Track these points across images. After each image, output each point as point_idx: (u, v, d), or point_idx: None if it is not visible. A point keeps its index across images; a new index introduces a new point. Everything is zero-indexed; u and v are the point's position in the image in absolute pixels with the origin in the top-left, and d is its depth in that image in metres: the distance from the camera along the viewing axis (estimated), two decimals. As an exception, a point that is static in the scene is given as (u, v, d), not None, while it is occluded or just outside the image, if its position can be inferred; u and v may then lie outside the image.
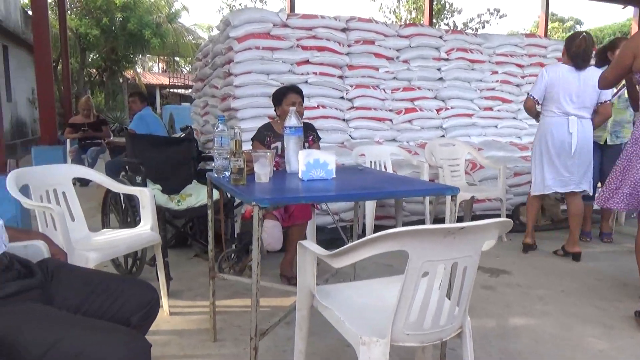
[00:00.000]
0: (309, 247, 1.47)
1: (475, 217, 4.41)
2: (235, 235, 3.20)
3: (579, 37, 3.46)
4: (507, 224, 1.33)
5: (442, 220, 4.15)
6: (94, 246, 2.29)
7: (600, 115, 3.52)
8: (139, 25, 15.36)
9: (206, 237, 3.46)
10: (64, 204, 2.41)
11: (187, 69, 25.13)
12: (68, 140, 6.43)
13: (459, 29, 16.79)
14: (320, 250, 1.43)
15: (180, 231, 3.42)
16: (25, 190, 2.26)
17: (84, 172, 2.58)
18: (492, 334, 2.36)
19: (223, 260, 2.89)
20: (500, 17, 18.89)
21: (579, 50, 3.42)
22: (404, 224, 4.20)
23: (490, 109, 5.31)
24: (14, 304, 1.16)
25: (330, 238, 3.57)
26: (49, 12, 7.25)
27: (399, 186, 1.84)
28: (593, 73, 3.38)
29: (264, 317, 2.31)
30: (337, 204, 3.75)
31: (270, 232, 2.84)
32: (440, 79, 5.13)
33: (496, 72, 5.35)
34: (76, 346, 1.07)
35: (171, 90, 22.75)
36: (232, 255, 2.95)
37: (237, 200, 3.33)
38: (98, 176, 2.55)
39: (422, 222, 4.14)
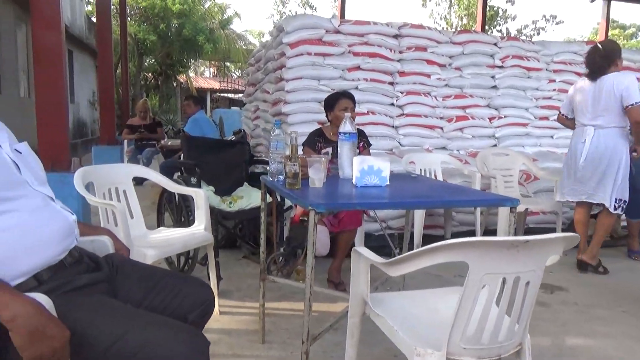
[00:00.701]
0: (364, 254, 1.47)
1: (527, 230, 4.26)
2: (284, 239, 3.23)
3: (592, 47, 3.47)
4: (573, 239, 1.27)
5: (493, 232, 4.03)
6: (151, 243, 2.37)
7: (630, 123, 3.28)
8: (194, 31, 15.89)
9: (255, 239, 3.54)
10: (124, 201, 2.52)
11: (237, 73, 25.74)
12: (125, 141, 6.71)
13: (512, 35, 16.34)
14: (376, 258, 1.42)
15: (231, 232, 3.49)
16: (87, 187, 2.37)
17: (144, 172, 2.69)
18: (548, 354, 2.27)
19: (271, 263, 2.93)
20: (557, 23, 18.26)
21: (588, 60, 3.46)
22: (453, 235, 4.11)
23: (547, 118, 5.12)
24: (84, 295, 1.21)
25: (378, 245, 3.53)
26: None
27: (456, 195, 1.80)
28: (608, 79, 3.29)
29: (312, 322, 2.31)
30: (385, 211, 3.72)
31: (318, 237, 2.85)
32: (494, 86, 5.00)
33: (553, 81, 5.16)
34: (141, 339, 1.11)
35: (221, 94, 23.34)
36: (280, 258, 2.98)
37: (287, 204, 3.37)
38: (157, 176, 2.64)
39: (472, 232, 4.04)
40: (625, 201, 3.40)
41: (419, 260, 1.23)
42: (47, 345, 1.00)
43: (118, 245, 1.55)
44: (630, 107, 3.19)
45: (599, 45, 3.46)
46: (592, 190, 3.42)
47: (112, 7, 7.32)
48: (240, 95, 22.36)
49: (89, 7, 15.93)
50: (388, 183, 1.91)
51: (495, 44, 5.02)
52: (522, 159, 4.24)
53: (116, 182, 2.53)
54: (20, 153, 1.28)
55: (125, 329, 1.12)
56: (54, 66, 3.50)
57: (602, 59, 3.37)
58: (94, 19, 14.57)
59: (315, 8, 20.57)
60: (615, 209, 3.37)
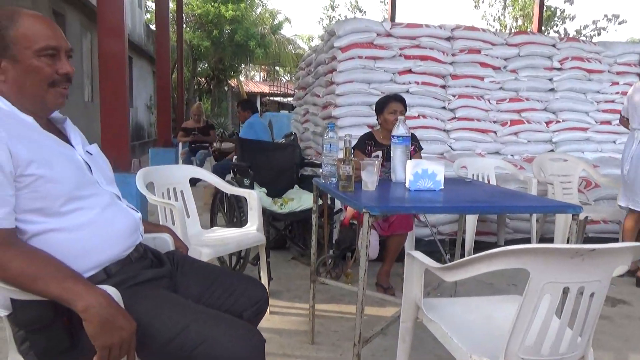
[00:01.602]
0: (419, 258, 1.45)
1: (587, 240, 4.07)
2: (334, 241, 3.25)
3: None
4: (643, 249, 1.21)
5: (549, 241, 3.88)
6: (206, 242, 2.45)
7: None
8: (245, 36, 16.28)
9: (304, 241, 3.58)
10: (181, 201, 2.61)
11: (286, 77, 26.09)
12: (180, 143, 6.96)
13: (570, 36, 15.65)
14: (431, 262, 1.40)
15: (281, 234, 3.55)
16: (147, 187, 2.48)
17: (200, 173, 2.78)
18: (610, 369, 2.16)
19: (320, 265, 2.95)
20: (620, 23, 17.24)
21: None
22: (506, 242, 3.98)
23: (609, 122, 4.87)
24: (148, 289, 1.27)
25: (428, 251, 3.46)
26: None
27: (514, 201, 1.75)
28: None
29: (362, 325, 2.31)
30: (436, 216, 3.66)
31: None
32: (552, 89, 4.82)
33: (617, 83, 4.91)
34: (202, 334, 1.15)
35: (271, 98, 23.74)
36: (330, 260, 3.00)
37: (337, 207, 3.38)
38: (212, 177, 2.73)
39: (526, 240, 3.90)
40: None
41: (476, 265, 1.21)
42: (117, 335, 1.06)
43: (178, 242, 1.62)
44: None
45: None
46: (633, 195, 3.31)
47: (170, 15, 7.62)
48: (289, 99, 22.66)
49: (148, 16, 16.67)
50: (442, 187, 1.89)
51: (553, 45, 4.84)
52: (582, 164, 4.05)
53: (174, 183, 2.63)
54: (91, 154, 1.36)
55: (187, 323, 1.17)
56: (118, 72, 3.69)
57: None
58: (151, 27, 15.24)
59: (365, 12, 20.53)
60: None
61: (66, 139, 1.31)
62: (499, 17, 18.97)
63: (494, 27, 17.95)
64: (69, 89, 1.31)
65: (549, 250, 1.14)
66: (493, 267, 1.19)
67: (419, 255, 1.47)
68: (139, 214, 1.41)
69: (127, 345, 1.08)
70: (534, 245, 1.13)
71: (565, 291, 1.19)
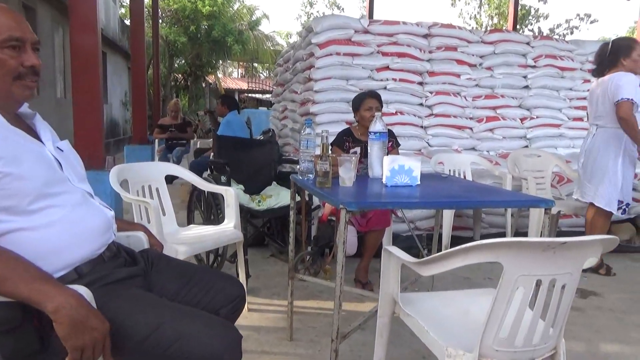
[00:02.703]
0: (395, 253, 1.46)
1: (559, 233, 4.16)
2: (312, 238, 3.25)
3: (603, 44, 3.43)
4: (612, 241, 1.24)
5: (523, 235, 3.95)
6: (183, 240, 2.42)
7: (617, 119, 3.10)
8: (223, 32, 16.11)
9: (282, 238, 3.56)
10: (157, 199, 2.57)
11: (265, 74, 25.95)
12: (156, 140, 6.86)
13: (544, 35, 15.95)
14: (407, 257, 1.41)
15: (259, 231, 3.53)
16: (121, 185, 2.43)
17: (177, 170, 2.74)
18: (582, 359, 2.21)
19: (299, 262, 2.95)
20: (591, 22, 17.67)
21: (594, 57, 3.47)
22: (482, 236, 4.04)
23: (580, 119, 4.97)
24: (122, 289, 1.25)
25: (405, 246, 3.48)
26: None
27: (489, 196, 1.78)
28: (607, 78, 3.21)
29: (340, 321, 2.32)
30: (413, 211, 3.69)
31: (347, 237, 2.85)
32: (526, 87, 4.90)
33: (588, 81, 4.99)
34: (177, 331, 1.13)
35: (249, 94, 23.59)
36: (308, 257, 3.00)
37: (315, 204, 3.38)
38: (189, 174, 2.69)
39: (502, 235, 3.96)
40: (627, 204, 3.30)
41: (451, 260, 1.22)
42: (89, 336, 1.04)
43: (153, 240, 1.59)
44: (617, 102, 3.07)
45: (609, 43, 3.35)
46: (582, 189, 3.40)
47: (145, 10, 7.48)
48: (267, 95, 22.54)
49: (122, 10, 16.35)
50: (419, 183, 1.90)
51: (527, 44, 4.92)
52: (555, 160, 4.14)
53: (149, 180, 2.59)
54: (62, 151, 1.33)
55: (161, 321, 1.15)
56: (91, 68, 3.61)
57: (606, 56, 3.30)
58: (126, 22, 14.95)
59: (343, 9, 20.56)
60: (618, 211, 3.26)
61: (36, 135, 1.27)
62: (475, 15, 19.23)
63: (470, 25, 18.20)
64: (41, 85, 1.28)
65: (521, 244, 1.16)
66: (468, 261, 1.21)
67: (396, 250, 1.48)
68: (112, 212, 1.38)
69: (101, 345, 1.06)
70: (507, 239, 1.15)
71: (538, 284, 1.22)
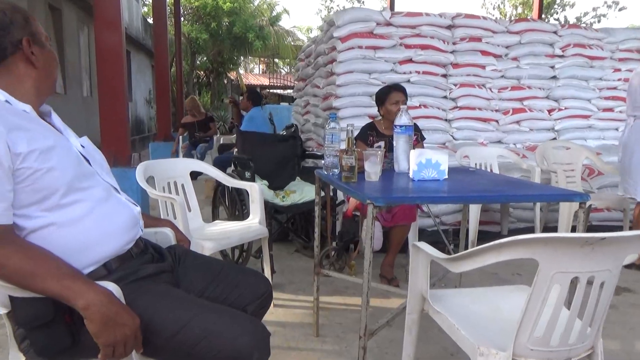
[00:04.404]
0: (424, 249, 1.43)
1: (591, 228, 4.04)
2: (336, 233, 3.23)
3: None
4: (654, 236, 1.18)
5: (552, 229, 3.86)
6: (208, 236, 2.43)
7: None
8: (244, 28, 16.17)
9: (307, 234, 3.55)
10: (182, 195, 2.59)
11: (286, 69, 25.98)
12: (180, 137, 6.92)
13: (571, 23, 15.51)
14: (437, 253, 1.38)
15: (283, 226, 3.53)
16: (147, 181, 2.45)
17: (202, 166, 2.75)
18: (617, 358, 2.14)
19: (324, 257, 2.93)
20: (620, 10, 17.07)
21: None
22: (510, 231, 3.96)
23: (611, 110, 4.83)
24: (150, 285, 1.25)
25: (431, 241, 3.45)
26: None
27: (520, 190, 1.72)
28: None
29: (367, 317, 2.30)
30: (439, 206, 3.64)
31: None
32: (554, 77, 4.77)
33: (619, 70, 4.85)
34: (205, 328, 1.13)
35: (270, 90, 23.65)
36: (333, 252, 2.98)
37: (339, 199, 3.36)
38: (213, 171, 2.70)
39: (530, 229, 3.88)
40: None
41: (484, 256, 1.19)
42: (120, 332, 1.04)
43: (180, 236, 1.59)
44: None
45: None
46: (623, 184, 3.30)
47: (167, 8, 7.54)
48: (289, 91, 22.55)
49: (145, 9, 16.55)
50: (446, 177, 1.86)
51: (555, 32, 4.79)
52: (585, 152, 4.02)
53: (175, 176, 2.60)
54: (84, 147, 1.34)
55: (190, 317, 1.15)
56: (116, 66, 3.65)
57: None
58: (149, 20, 15.13)
59: (363, 2, 20.39)
60: None
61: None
62: (498, 5, 18.84)
63: (493, 15, 17.84)
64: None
65: (558, 240, 1.12)
66: (501, 257, 1.17)
67: (425, 246, 1.45)
68: (138, 208, 1.39)
69: (131, 341, 1.07)
70: (543, 234, 1.11)
71: (575, 281, 1.17)
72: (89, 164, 1.27)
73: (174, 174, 2.59)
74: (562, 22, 15.68)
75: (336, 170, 1.98)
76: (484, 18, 4.72)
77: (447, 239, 3.41)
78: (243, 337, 1.14)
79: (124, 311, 1.06)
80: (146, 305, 1.16)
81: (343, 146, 1.89)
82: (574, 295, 1.18)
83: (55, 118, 1.31)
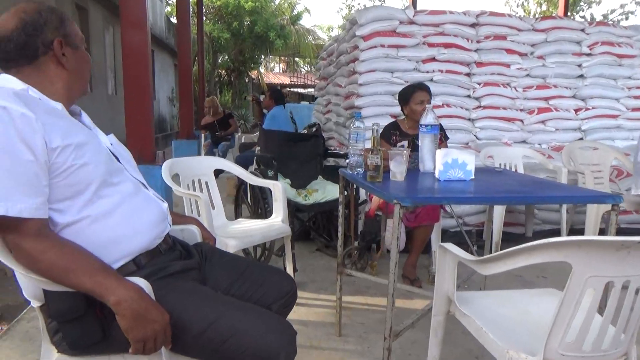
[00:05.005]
0: (452, 251, 1.41)
1: (619, 231, 3.94)
2: (359, 233, 3.22)
3: None
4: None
5: (578, 232, 3.77)
6: (232, 234, 2.44)
7: None
8: (265, 27, 16.25)
9: (328, 232, 3.55)
10: (206, 193, 2.61)
11: (306, 68, 26.01)
12: (202, 135, 6.98)
13: (598, 21, 15.15)
14: (465, 255, 1.36)
15: (305, 225, 3.53)
16: (172, 179, 2.48)
17: (225, 164, 2.77)
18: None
19: (345, 257, 2.92)
20: (650, 6, 16.60)
21: None
22: (534, 233, 3.89)
23: (640, 109, 4.71)
24: (178, 281, 1.26)
25: (453, 242, 3.42)
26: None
27: (549, 191, 1.69)
28: None
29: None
30: (462, 206, 3.60)
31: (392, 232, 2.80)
32: (581, 76, 4.67)
33: (649, 68, 4.72)
34: (232, 326, 1.14)
35: (291, 89, 23.72)
36: (355, 252, 2.97)
37: (361, 198, 3.34)
38: (237, 169, 2.72)
39: (556, 231, 3.81)
40: None
41: (515, 259, 1.16)
42: (150, 328, 1.06)
43: (206, 234, 1.61)
44: None
45: None
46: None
47: (190, 7, 7.62)
48: (309, 90, 22.57)
49: (168, 9, 16.75)
50: (473, 177, 1.83)
51: (582, 30, 4.69)
52: (613, 153, 3.92)
53: (199, 174, 2.63)
54: (111, 144, 1.36)
55: (217, 315, 1.16)
56: (141, 65, 3.70)
57: None
58: (172, 20, 15.31)
59: (384, 0, 20.28)
60: None
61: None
62: (522, 2, 18.54)
63: (517, 13, 17.54)
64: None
65: (593, 243, 1.09)
66: (532, 260, 1.15)
67: (452, 247, 1.43)
68: (166, 204, 1.40)
69: (161, 337, 1.08)
70: (577, 237, 1.08)
71: (609, 286, 1.14)
72: (118, 160, 1.29)
73: (198, 171, 2.62)
74: (589, 20, 15.33)
75: (360, 170, 1.97)
76: (509, 16, 4.65)
77: (470, 240, 3.37)
78: (270, 335, 1.14)
79: (154, 307, 1.08)
80: (175, 302, 1.17)
81: (367, 145, 1.88)
82: (608, 300, 1.15)
83: (85, 117, 1.33)
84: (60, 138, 1.10)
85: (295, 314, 2.47)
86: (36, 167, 1.06)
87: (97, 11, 9.27)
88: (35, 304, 1.19)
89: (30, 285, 1.15)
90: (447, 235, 3.53)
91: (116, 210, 1.20)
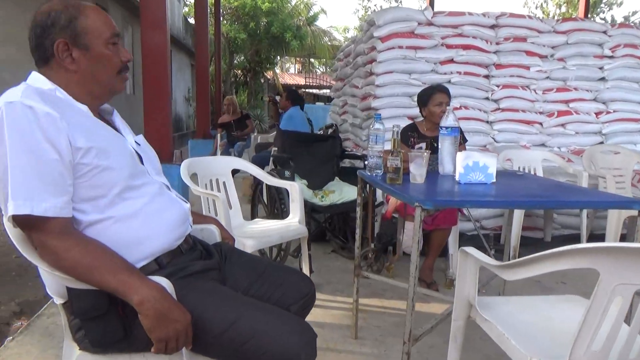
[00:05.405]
0: (474, 255, 1.39)
1: None
2: (375, 235, 3.20)
3: None
4: None
5: (598, 237, 3.71)
6: (249, 234, 2.45)
7: None
8: (281, 28, 16.30)
9: (344, 234, 3.54)
10: (224, 192, 2.62)
11: (321, 69, 26.03)
12: (218, 135, 7.01)
13: (620, 23, 14.89)
14: (487, 259, 1.34)
15: (321, 226, 3.52)
16: (190, 178, 2.49)
17: (243, 164, 2.78)
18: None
19: (362, 259, 2.91)
20: (674, 8, 16.28)
21: None
22: (553, 238, 3.84)
23: (664, 113, 4.61)
24: (198, 281, 1.26)
25: (471, 246, 3.39)
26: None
27: (574, 196, 1.65)
28: None
29: (404, 321, 2.26)
30: (479, 210, 3.56)
31: (410, 235, 2.78)
32: (602, 78, 4.59)
33: (673, 71, 4.62)
34: (253, 327, 1.14)
35: (306, 90, 23.74)
36: (371, 254, 2.96)
37: (377, 200, 3.33)
38: (255, 169, 2.72)
39: (575, 236, 3.74)
40: None
41: (540, 264, 1.14)
42: (172, 327, 1.06)
43: (225, 234, 1.61)
44: None
45: None
46: None
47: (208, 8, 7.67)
48: (324, 90, 22.57)
49: (186, 9, 16.90)
50: (494, 181, 1.81)
51: (604, 32, 4.60)
52: (635, 157, 3.85)
53: (217, 174, 2.64)
54: (139, 145, 1.36)
55: (238, 315, 1.15)
56: (160, 66, 3.74)
57: None
58: (189, 20, 15.43)
59: (401, 1, 20.21)
60: None
61: (115, 130, 1.31)
62: (541, 4, 18.33)
63: (535, 15, 17.35)
64: None
65: (622, 250, 1.06)
66: (559, 266, 1.12)
67: (474, 251, 1.41)
68: (188, 205, 1.41)
69: (183, 337, 1.08)
70: (605, 244, 1.06)
71: (638, 294, 1.12)
72: (142, 161, 1.30)
73: (216, 171, 2.63)
74: (610, 22, 15.08)
75: (379, 172, 1.96)
76: (530, 17, 4.59)
77: (488, 243, 3.33)
78: (291, 337, 1.13)
79: (176, 307, 1.08)
80: (195, 302, 1.17)
81: (387, 147, 1.87)
82: (636, 309, 1.12)
83: (117, 116, 1.34)
84: (85, 139, 1.11)
85: (311, 316, 2.44)
86: (61, 166, 1.07)
87: (117, 11, 9.38)
88: (58, 301, 1.20)
89: (54, 283, 1.16)
90: (464, 239, 3.50)
91: (139, 212, 1.20)
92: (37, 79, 1.18)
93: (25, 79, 1.20)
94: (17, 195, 1.03)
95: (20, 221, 1.07)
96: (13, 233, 1.12)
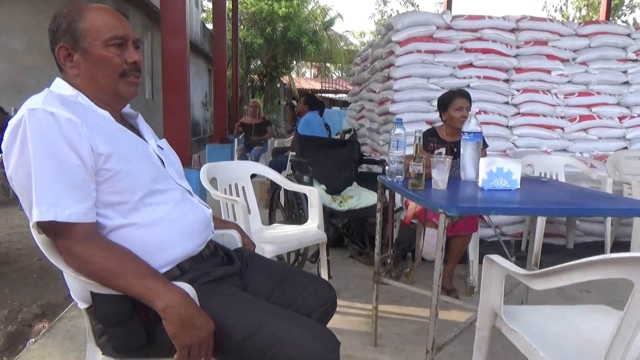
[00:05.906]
0: (500, 263, 1.36)
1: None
2: (394, 241, 3.17)
3: None
4: None
5: (623, 245, 3.62)
6: (268, 239, 2.44)
7: None
8: (298, 33, 16.36)
9: (362, 239, 3.52)
10: (243, 197, 2.62)
11: (337, 74, 26.05)
12: (236, 140, 7.05)
13: (641, 25, 14.60)
14: (514, 268, 1.31)
15: (339, 231, 3.51)
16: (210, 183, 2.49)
17: (261, 169, 2.78)
18: None
19: (381, 265, 2.88)
20: (698, 10, 15.94)
21: None
22: (575, 245, 3.76)
23: (690, 118, 4.49)
24: (220, 287, 1.26)
25: (491, 252, 3.34)
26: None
27: (602, 203, 1.61)
28: None
29: (425, 329, 2.23)
30: (499, 216, 3.50)
31: (429, 241, 2.75)
32: (626, 82, 4.49)
33: (700, 75, 4.50)
34: (275, 334, 1.12)
35: (322, 94, 23.78)
36: (390, 260, 2.93)
37: (396, 206, 3.30)
38: (274, 174, 2.72)
39: (598, 244, 3.66)
40: None
41: (570, 274, 1.11)
42: (196, 334, 1.05)
43: (246, 240, 1.60)
44: None
45: None
46: None
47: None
48: (340, 95, 22.57)
49: (204, 15, 17.08)
50: (519, 187, 1.77)
51: (628, 35, 4.51)
52: (662, 163, 3.75)
53: (236, 179, 2.64)
54: (162, 149, 1.36)
55: (260, 322, 1.14)
56: (179, 71, 3.77)
57: None
58: (207, 26, 15.59)
59: (418, 5, 20.15)
60: None
61: (139, 134, 1.32)
62: (560, 7, 18.09)
63: (554, 17, 17.14)
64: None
65: (657, 260, 1.03)
66: (589, 276, 1.09)
67: (500, 259, 1.38)
68: (210, 210, 1.41)
69: (206, 344, 1.07)
70: (638, 254, 1.02)
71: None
72: (164, 166, 1.30)
73: (234, 176, 2.63)
74: (632, 24, 14.82)
75: (400, 177, 1.94)
76: (551, 20, 4.52)
77: (509, 250, 3.27)
78: (314, 345, 1.12)
79: (200, 314, 1.07)
80: (218, 308, 1.16)
81: (408, 152, 1.85)
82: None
83: (141, 120, 1.35)
84: (106, 145, 1.11)
85: (330, 322, 2.44)
86: (84, 172, 1.08)
87: (137, 17, 9.52)
88: (82, 305, 1.20)
89: (78, 288, 1.17)
90: (484, 245, 3.44)
91: (162, 218, 1.20)
92: (59, 85, 1.19)
93: (48, 85, 1.21)
94: (41, 201, 1.04)
95: (45, 227, 1.08)
96: (39, 239, 1.13)
